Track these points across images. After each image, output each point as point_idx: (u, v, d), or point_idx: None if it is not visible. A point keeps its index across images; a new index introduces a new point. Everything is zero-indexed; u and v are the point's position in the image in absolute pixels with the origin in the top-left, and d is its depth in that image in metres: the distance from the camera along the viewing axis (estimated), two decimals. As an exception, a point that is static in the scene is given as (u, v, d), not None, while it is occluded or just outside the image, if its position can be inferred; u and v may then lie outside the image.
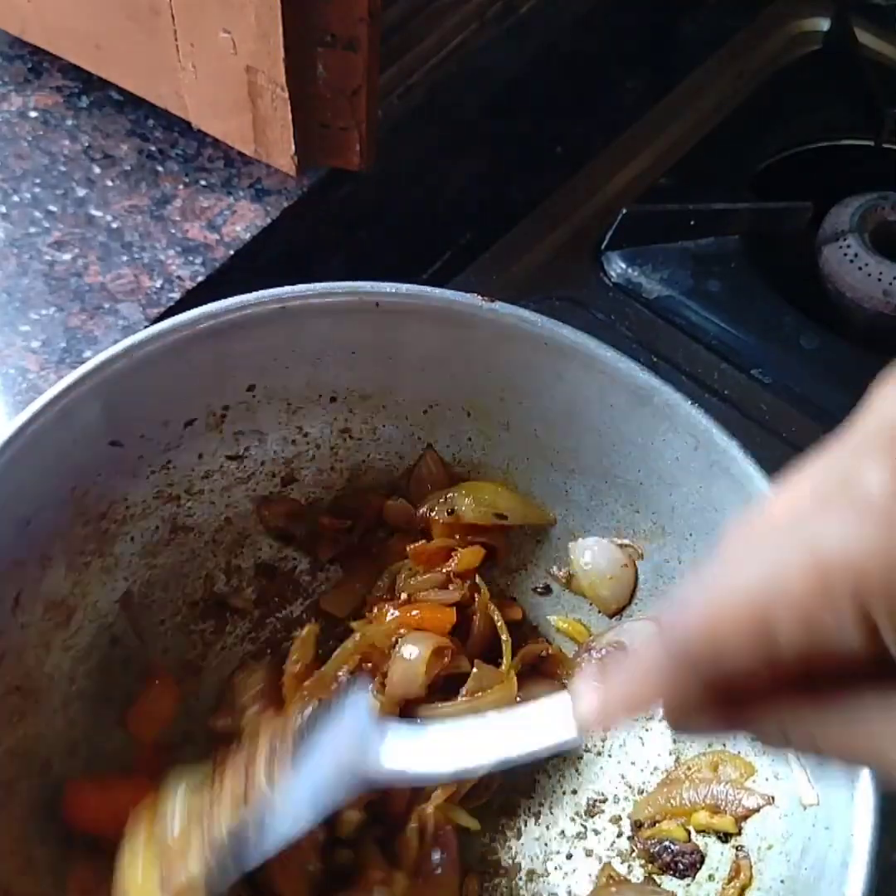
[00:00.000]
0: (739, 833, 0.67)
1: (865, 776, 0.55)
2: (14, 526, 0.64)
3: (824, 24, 1.18)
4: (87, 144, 0.93)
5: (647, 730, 0.74)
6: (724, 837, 0.69)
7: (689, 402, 0.67)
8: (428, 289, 0.70)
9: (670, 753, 0.73)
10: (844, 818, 0.56)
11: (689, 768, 0.71)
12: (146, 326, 0.68)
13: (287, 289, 0.68)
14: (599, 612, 0.77)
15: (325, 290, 0.69)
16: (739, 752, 0.70)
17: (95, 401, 0.65)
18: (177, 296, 0.86)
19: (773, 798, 0.66)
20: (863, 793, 0.55)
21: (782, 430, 0.93)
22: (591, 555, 0.76)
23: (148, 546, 0.73)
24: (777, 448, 0.92)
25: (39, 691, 0.68)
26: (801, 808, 0.61)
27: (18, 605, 0.66)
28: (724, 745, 0.70)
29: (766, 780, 0.67)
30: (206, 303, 0.68)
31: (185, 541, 0.75)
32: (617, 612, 0.77)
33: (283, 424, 0.75)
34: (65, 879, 0.65)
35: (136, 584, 0.73)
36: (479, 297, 0.69)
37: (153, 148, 0.94)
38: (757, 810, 0.66)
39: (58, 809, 0.67)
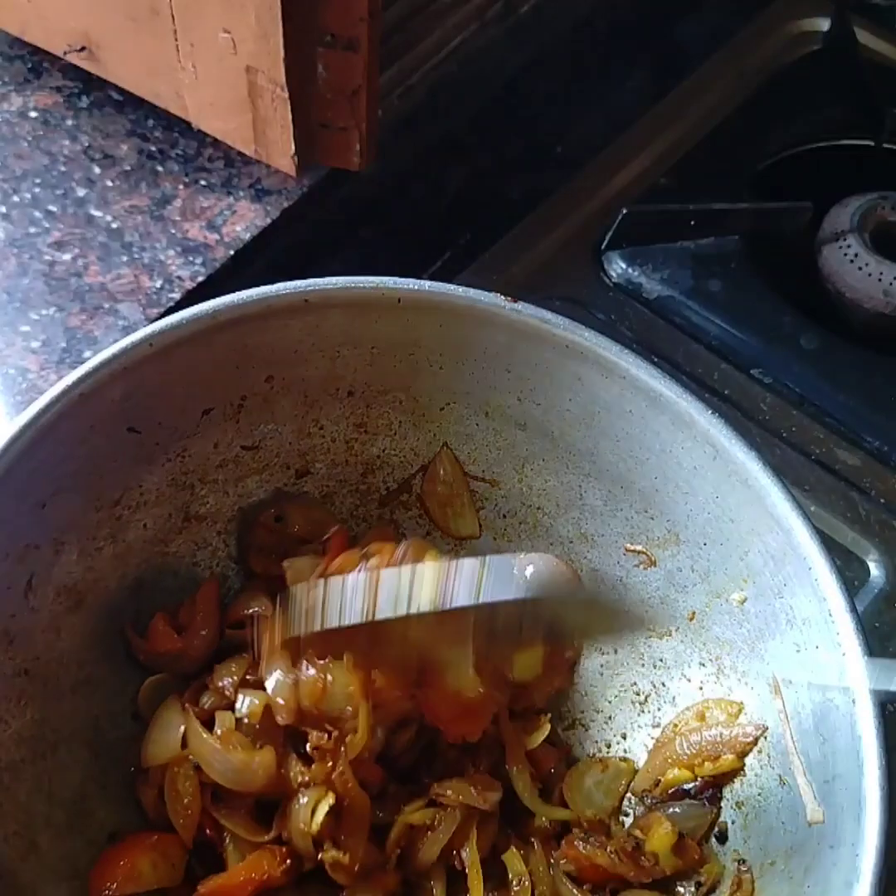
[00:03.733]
0: (743, 768, 0.67)
1: (873, 797, 0.55)
2: (29, 509, 0.65)
3: (824, 24, 1.18)
4: (87, 144, 0.93)
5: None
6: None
7: (709, 412, 0.66)
8: (451, 287, 0.70)
9: (655, 725, 0.74)
10: (851, 839, 0.56)
11: (676, 726, 0.72)
12: (145, 326, 0.68)
13: (309, 282, 0.68)
14: None
15: (347, 285, 0.69)
16: (724, 695, 0.70)
17: (115, 386, 0.65)
18: (177, 296, 0.86)
19: (766, 727, 0.66)
20: (870, 814, 0.55)
21: (782, 430, 0.93)
22: (532, 570, 0.76)
23: (160, 534, 0.73)
24: (777, 448, 0.92)
25: (48, 675, 0.68)
26: (807, 826, 0.61)
27: (31, 588, 0.66)
28: (702, 689, 0.71)
29: (757, 709, 0.67)
30: (234, 293, 0.68)
31: (198, 530, 0.75)
32: None
33: (300, 416, 0.75)
34: (68, 865, 0.66)
35: (148, 572, 0.73)
36: (502, 296, 0.69)
37: (153, 148, 0.94)
38: (754, 742, 0.66)
39: (61, 794, 0.67)
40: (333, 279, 0.69)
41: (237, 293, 0.68)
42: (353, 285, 0.69)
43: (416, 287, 0.69)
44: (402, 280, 0.69)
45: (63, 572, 0.68)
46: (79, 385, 0.64)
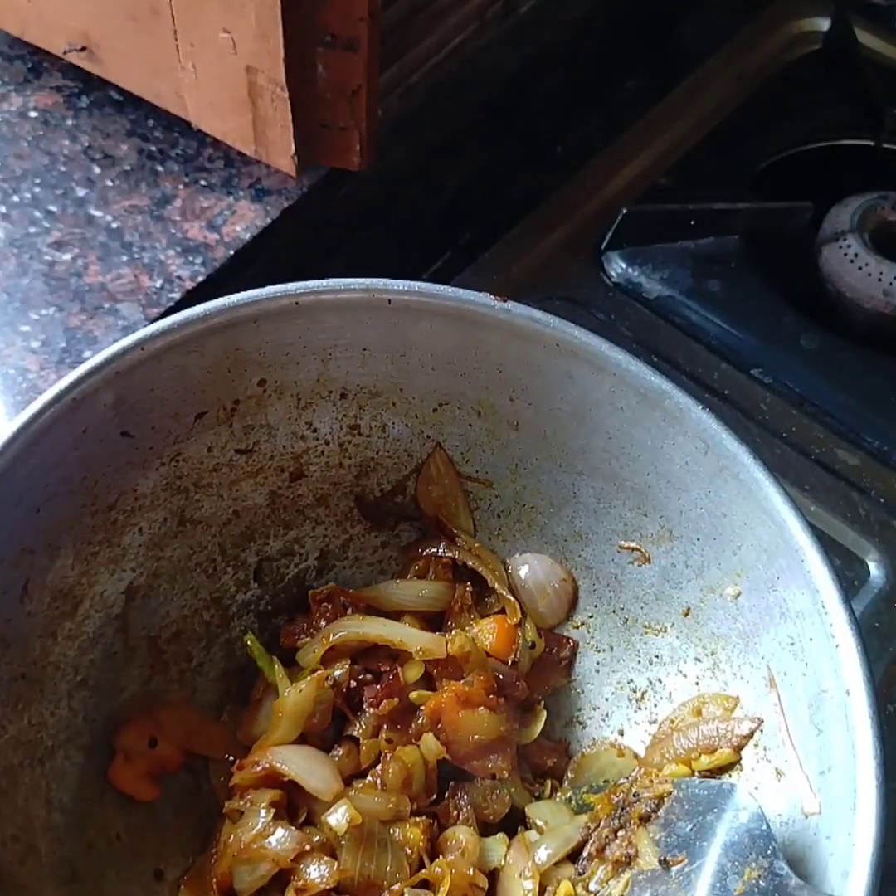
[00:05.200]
0: (739, 762, 0.67)
1: (867, 786, 0.55)
2: (24, 514, 0.64)
3: (824, 24, 1.19)
4: (87, 144, 0.93)
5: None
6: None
7: (700, 406, 0.66)
8: (440, 287, 0.70)
9: (651, 722, 0.74)
10: (846, 828, 0.56)
11: (672, 722, 0.71)
12: (145, 326, 0.68)
13: (300, 284, 0.68)
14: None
15: (338, 287, 0.69)
16: (720, 689, 0.70)
17: (107, 391, 0.65)
18: (177, 296, 0.86)
19: (762, 721, 0.66)
20: (865, 803, 0.55)
21: (782, 430, 0.93)
22: (528, 570, 0.77)
23: (155, 538, 0.73)
24: (777, 448, 0.92)
25: (44, 680, 0.68)
26: (803, 817, 0.61)
27: (26, 593, 0.66)
28: (698, 684, 0.71)
29: (752, 703, 0.67)
30: (224, 296, 0.68)
31: (193, 533, 0.75)
32: (553, 627, 0.77)
33: (293, 419, 0.75)
34: (67, 868, 0.66)
35: (143, 576, 0.73)
36: (492, 296, 0.69)
37: (153, 148, 0.94)
38: (750, 735, 0.66)
39: (59, 798, 0.67)
40: (323, 281, 0.69)
41: (228, 296, 0.67)
42: (343, 287, 0.69)
43: (405, 288, 0.69)
44: (392, 281, 0.69)
45: (58, 577, 0.68)
46: (70, 390, 0.64)
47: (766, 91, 1.14)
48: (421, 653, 0.71)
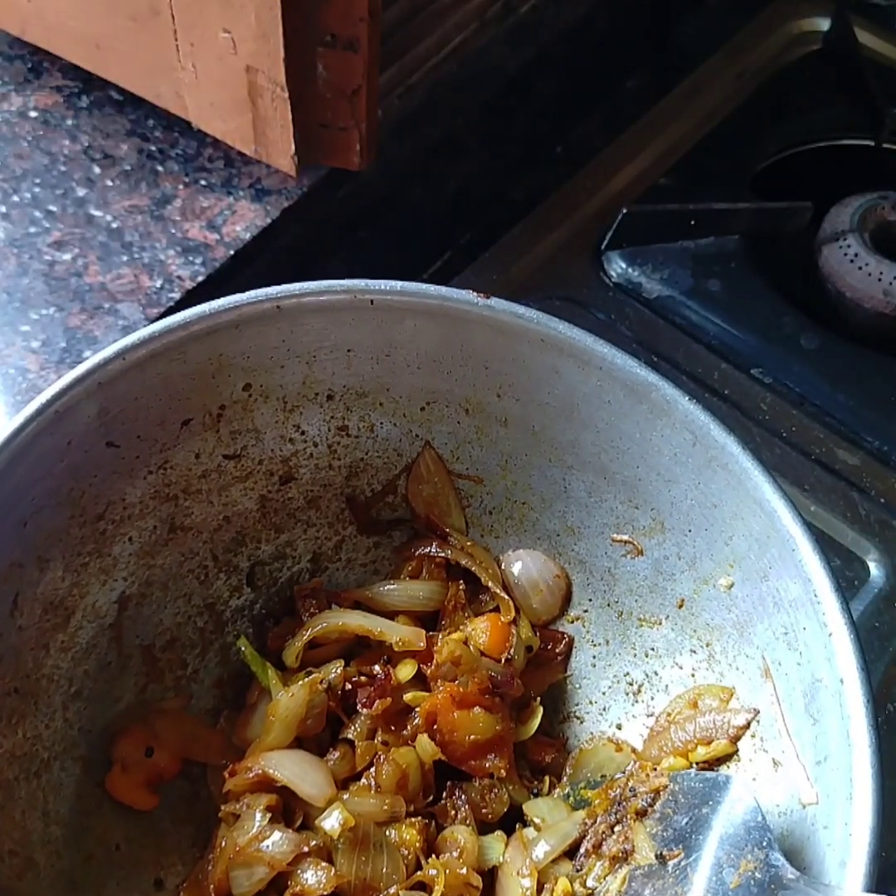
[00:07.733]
0: (737, 753, 0.68)
1: (863, 775, 0.55)
2: (11, 528, 0.64)
3: (824, 24, 1.19)
4: (87, 144, 0.94)
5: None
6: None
7: (687, 398, 0.67)
8: (423, 286, 0.70)
9: (648, 715, 0.74)
10: (843, 818, 0.56)
11: (669, 715, 0.72)
12: (145, 326, 0.68)
13: (281, 288, 0.68)
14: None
15: (320, 289, 0.69)
16: (715, 681, 0.70)
17: (91, 402, 0.65)
18: (177, 296, 0.86)
19: (758, 711, 0.66)
20: (861, 792, 0.55)
21: (782, 430, 0.93)
22: (521, 566, 0.77)
23: (146, 546, 0.73)
24: (777, 448, 0.92)
25: (38, 693, 0.68)
26: (800, 807, 0.61)
27: (16, 606, 0.66)
28: (694, 676, 0.71)
29: (748, 693, 0.68)
30: (205, 303, 0.68)
31: (184, 540, 0.75)
32: (548, 623, 0.77)
33: (280, 423, 0.75)
34: (65, 880, 0.65)
35: (135, 585, 0.73)
36: (475, 293, 0.69)
37: (153, 148, 0.94)
38: (747, 726, 0.66)
39: (57, 811, 0.67)
40: (305, 284, 0.69)
41: (208, 303, 0.67)
42: (324, 289, 0.69)
43: (387, 288, 0.69)
44: (374, 282, 0.69)
45: (49, 589, 0.68)
46: (53, 402, 0.63)
47: (766, 91, 1.14)
48: (400, 643, 0.71)
